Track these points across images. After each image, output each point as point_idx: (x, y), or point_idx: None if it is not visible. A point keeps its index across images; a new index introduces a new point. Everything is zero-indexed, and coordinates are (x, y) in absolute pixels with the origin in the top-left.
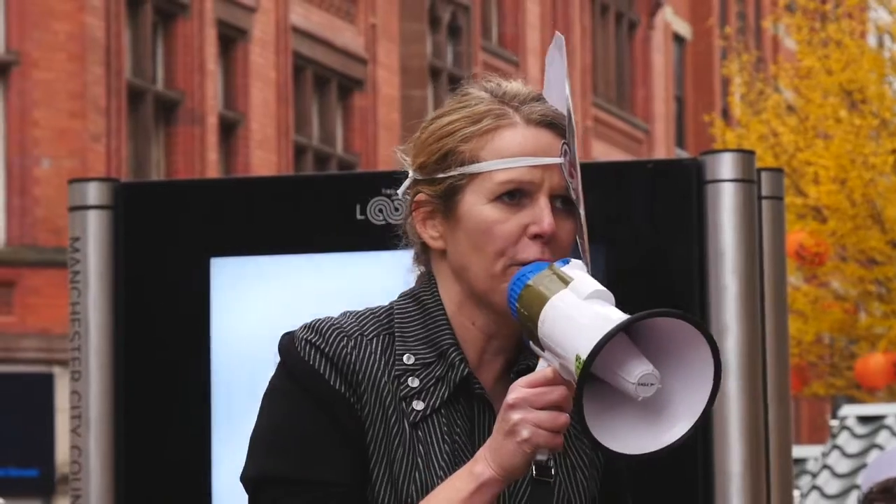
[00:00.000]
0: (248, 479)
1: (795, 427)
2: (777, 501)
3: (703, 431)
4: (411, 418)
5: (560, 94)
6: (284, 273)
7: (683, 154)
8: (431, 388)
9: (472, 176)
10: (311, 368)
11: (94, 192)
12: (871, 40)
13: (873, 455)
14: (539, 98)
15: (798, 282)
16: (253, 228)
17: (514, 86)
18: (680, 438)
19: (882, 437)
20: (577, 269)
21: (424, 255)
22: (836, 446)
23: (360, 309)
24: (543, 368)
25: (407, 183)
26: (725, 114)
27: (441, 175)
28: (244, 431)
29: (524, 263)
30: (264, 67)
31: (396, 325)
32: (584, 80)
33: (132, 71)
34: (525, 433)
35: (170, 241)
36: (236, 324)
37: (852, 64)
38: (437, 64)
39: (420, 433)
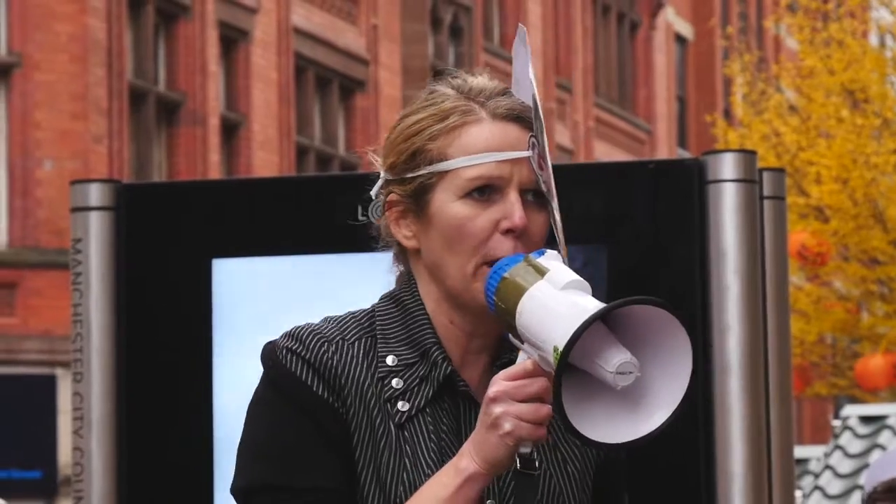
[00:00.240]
0: (237, 489)
1: (798, 427)
2: (779, 502)
3: (705, 431)
4: (396, 419)
5: (527, 86)
6: (286, 274)
7: (685, 154)
8: (415, 389)
9: (441, 174)
10: (293, 376)
11: (95, 194)
12: (873, 40)
13: (876, 455)
14: (506, 92)
15: (800, 282)
16: (255, 230)
17: (480, 81)
18: (659, 427)
19: (884, 437)
20: (553, 260)
21: (402, 254)
22: (838, 446)
23: (342, 314)
24: (523, 361)
25: (379, 183)
26: (727, 114)
27: (411, 174)
28: None
29: (497, 260)
30: (266, 68)
31: (378, 327)
32: (586, 81)
33: (134, 72)
34: (507, 426)
35: (172, 243)
36: (238, 325)
37: (854, 64)
38: (439, 65)
39: (406, 433)
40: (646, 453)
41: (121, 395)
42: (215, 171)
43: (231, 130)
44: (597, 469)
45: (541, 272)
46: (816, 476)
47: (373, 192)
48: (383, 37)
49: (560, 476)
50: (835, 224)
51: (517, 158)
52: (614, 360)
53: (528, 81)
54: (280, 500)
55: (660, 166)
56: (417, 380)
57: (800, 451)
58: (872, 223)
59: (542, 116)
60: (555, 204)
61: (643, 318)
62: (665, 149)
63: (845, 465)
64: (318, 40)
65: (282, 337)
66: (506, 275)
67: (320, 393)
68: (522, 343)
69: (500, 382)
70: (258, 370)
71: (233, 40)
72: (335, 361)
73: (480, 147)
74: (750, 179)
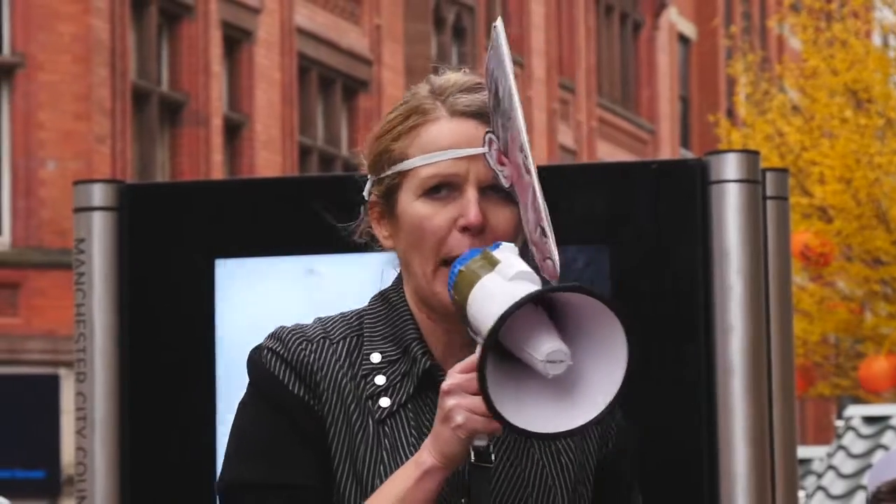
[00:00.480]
0: (218, 487)
1: (800, 427)
2: (782, 502)
3: (708, 431)
4: (377, 415)
5: (505, 81)
6: (289, 274)
7: (688, 154)
8: (398, 385)
9: (405, 174)
10: (270, 375)
11: (99, 194)
12: (877, 40)
13: (879, 455)
14: (472, 88)
15: (803, 282)
16: (258, 230)
17: (448, 77)
18: (593, 419)
19: (888, 438)
20: (506, 252)
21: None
22: (841, 447)
23: (334, 314)
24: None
25: (368, 185)
26: (730, 114)
27: (382, 175)
28: None
29: (454, 259)
30: (269, 69)
31: (366, 326)
32: (589, 81)
33: (137, 73)
34: (459, 419)
35: (175, 243)
36: (241, 325)
37: (858, 64)
38: (442, 65)
39: (386, 429)
40: (648, 453)
41: (124, 395)
42: (218, 172)
43: (234, 131)
44: (599, 463)
45: (493, 264)
46: (819, 476)
47: (365, 194)
48: (386, 37)
49: (552, 467)
50: (838, 224)
51: (474, 156)
52: (544, 348)
53: (500, 76)
54: (257, 498)
55: (663, 166)
56: (400, 376)
57: (803, 452)
58: (876, 223)
59: (512, 111)
60: (525, 199)
61: (581, 308)
62: (668, 149)
63: (848, 466)
64: (321, 40)
65: (266, 339)
66: (462, 268)
67: (296, 391)
68: (476, 335)
69: (453, 375)
70: None
71: (236, 40)
72: (312, 359)
73: (436, 145)
74: (753, 180)
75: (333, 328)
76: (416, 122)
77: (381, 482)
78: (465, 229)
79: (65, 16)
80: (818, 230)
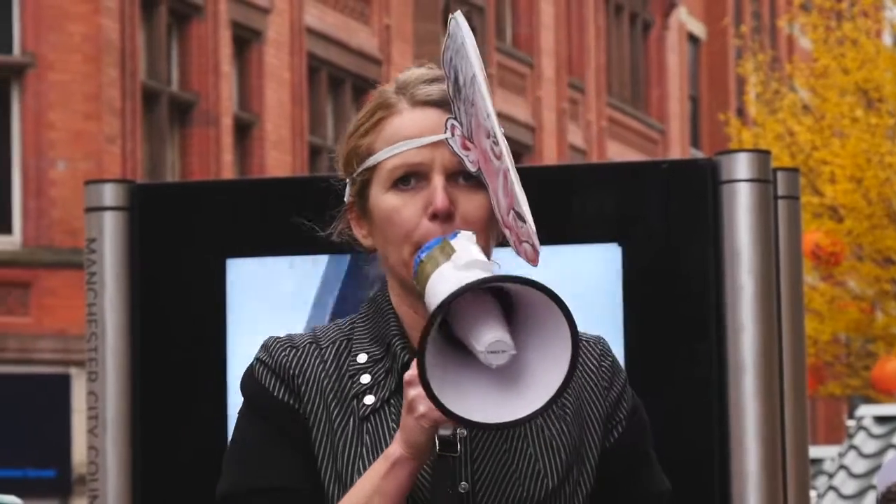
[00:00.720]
0: (216, 498)
1: (812, 427)
2: (794, 502)
3: (720, 431)
4: (360, 413)
5: (468, 69)
6: (300, 274)
7: (698, 154)
8: (381, 382)
9: (373, 169)
10: (258, 384)
11: (110, 194)
12: (887, 39)
13: (890, 455)
14: (434, 80)
15: (814, 281)
16: (268, 229)
17: (412, 72)
18: (536, 411)
19: None
20: (462, 241)
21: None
22: (852, 446)
23: (330, 323)
24: None
25: (348, 190)
26: (740, 113)
27: (354, 175)
28: None
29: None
30: (279, 68)
31: (356, 329)
32: (599, 81)
33: (147, 73)
34: (421, 408)
35: (185, 243)
36: (252, 325)
37: (868, 63)
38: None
39: (370, 425)
40: (660, 452)
41: (135, 394)
42: (228, 171)
43: (244, 130)
44: (604, 454)
45: (449, 254)
46: (831, 476)
47: (346, 199)
48: (396, 37)
49: (542, 452)
50: (849, 223)
51: (438, 144)
52: (485, 339)
53: (461, 64)
54: (244, 502)
55: (673, 166)
56: (384, 373)
57: (814, 451)
58: (887, 223)
59: (476, 97)
60: (495, 184)
61: (529, 300)
62: (678, 148)
63: (860, 465)
64: (330, 40)
65: (258, 350)
66: (423, 257)
67: (280, 397)
68: None
69: (415, 365)
70: None
71: (246, 40)
72: (293, 364)
73: (399, 136)
74: (764, 179)
75: (324, 334)
76: (381, 116)
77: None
78: (434, 216)
79: (75, 16)
80: (829, 229)
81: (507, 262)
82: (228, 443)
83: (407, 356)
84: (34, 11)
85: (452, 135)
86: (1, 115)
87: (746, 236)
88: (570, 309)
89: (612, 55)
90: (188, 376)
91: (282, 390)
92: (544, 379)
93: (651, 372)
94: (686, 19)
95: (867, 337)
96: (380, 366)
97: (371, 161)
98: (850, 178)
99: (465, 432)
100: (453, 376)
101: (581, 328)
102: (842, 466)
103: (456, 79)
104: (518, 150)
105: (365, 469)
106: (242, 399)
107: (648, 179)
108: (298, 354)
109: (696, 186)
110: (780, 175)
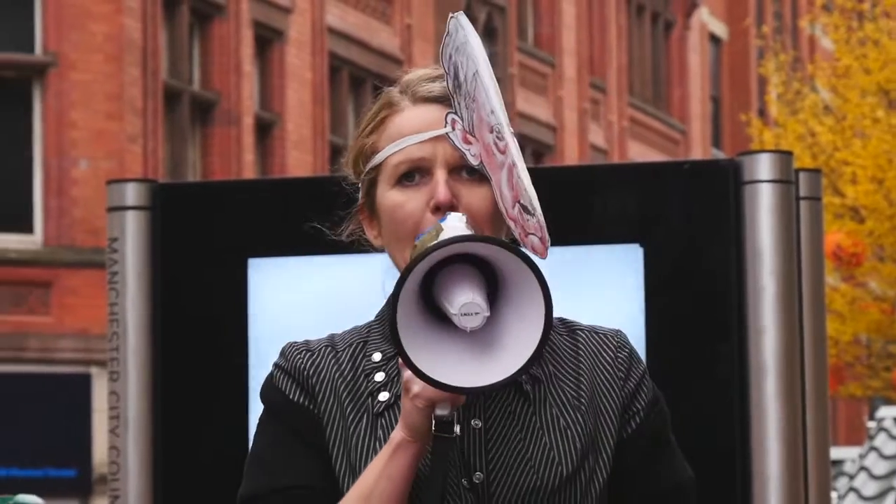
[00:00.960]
0: (237, 501)
1: (832, 428)
2: (815, 503)
3: (741, 432)
4: (375, 409)
5: (469, 65)
6: (321, 273)
7: (720, 154)
8: (395, 378)
9: (378, 168)
10: (275, 389)
11: (132, 193)
12: None
13: None
14: (436, 77)
15: (835, 282)
16: (289, 229)
17: (416, 72)
18: (512, 375)
19: None
20: (451, 221)
21: None
22: (873, 448)
23: (350, 328)
24: None
25: (362, 192)
26: (762, 114)
27: (362, 176)
28: None
29: None
30: (300, 68)
31: (372, 331)
32: (620, 81)
33: (169, 72)
34: (415, 388)
35: (207, 242)
36: (273, 324)
37: (890, 63)
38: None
39: (384, 421)
40: (682, 452)
41: (157, 394)
42: (249, 171)
43: (265, 130)
44: (622, 444)
45: (438, 233)
46: (851, 477)
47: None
48: (417, 36)
49: (557, 439)
50: (870, 224)
51: (440, 139)
52: (458, 301)
53: (462, 60)
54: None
55: (695, 167)
56: (397, 370)
57: (835, 453)
58: None
59: (478, 93)
60: (498, 177)
61: (507, 267)
62: (699, 149)
63: (881, 467)
64: (352, 40)
65: (277, 357)
66: (416, 243)
67: (295, 399)
68: None
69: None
70: None
71: (267, 40)
72: (308, 365)
73: (402, 133)
74: (786, 180)
75: (342, 338)
76: (384, 114)
77: None
78: (436, 209)
79: (97, 15)
80: (850, 230)
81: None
82: (249, 448)
83: None
84: (56, 11)
85: (453, 129)
86: (23, 115)
87: (768, 237)
88: (543, 272)
89: (634, 55)
90: (209, 376)
91: (297, 392)
92: (520, 343)
93: (672, 373)
94: (708, 19)
95: (888, 338)
96: (393, 363)
97: (376, 159)
98: (871, 179)
99: (479, 424)
100: (433, 344)
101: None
102: (862, 468)
103: (456, 75)
104: (539, 150)
105: None
106: (263, 406)
107: (670, 180)
108: (314, 357)
109: (718, 187)
110: (802, 176)
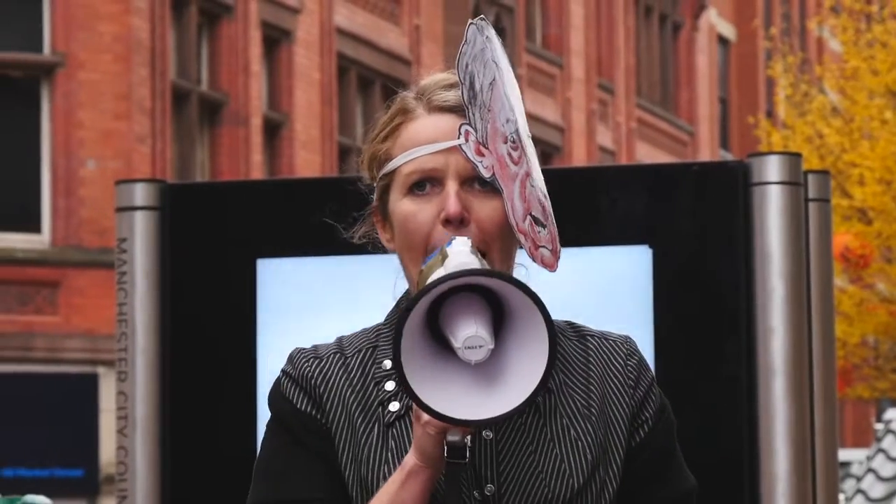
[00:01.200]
0: None
1: (839, 430)
2: None
3: (749, 433)
4: (386, 419)
5: (486, 73)
6: (330, 274)
7: (728, 156)
8: None
9: (391, 175)
10: (282, 396)
11: (141, 193)
12: None
13: None
14: (452, 85)
15: (843, 284)
16: (298, 230)
17: (433, 77)
18: (516, 408)
19: None
20: (457, 246)
21: None
22: (881, 450)
23: (358, 330)
24: None
25: (376, 195)
26: (770, 115)
27: (375, 181)
28: None
29: None
30: (308, 68)
31: (381, 336)
32: (628, 82)
33: (177, 72)
34: (425, 416)
35: (216, 243)
36: (282, 325)
37: None
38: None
39: (395, 431)
40: (689, 454)
41: (165, 395)
42: (258, 171)
43: (273, 130)
44: (630, 453)
45: (443, 260)
46: (859, 479)
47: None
48: (426, 37)
49: (569, 452)
50: (878, 226)
51: (453, 149)
52: (461, 334)
53: (478, 70)
54: None
55: (704, 168)
56: None
57: (842, 455)
58: None
59: (495, 103)
60: (510, 189)
61: (511, 299)
62: (707, 150)
63: (888, 469)
64: (360, 41)
65: (284, 363)
66: (423, 268)
67: (302, 407)
68: None
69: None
70: None
71: (275, 40)
72: (316, 374)
73: (415, 142)
74: (795, 182)
75: (350, 343)
76: (399, 121)
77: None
78: (446, 222)
79: (105, 15)
80: (858, 232)
81: (535, 267)
82: (257, 450)
83: None
84: (64, 11)
85: (466, 140)
86: (31, 115)
87: (777, 239)
88: (546, 304)
89: (642, 56)
90: (218, 376)
91: (305, 401)
92: (524, 377)
93: (681, 374)
94: (716, 21)
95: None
96: None
97: (389, 167)
98: (879, 181)
99: (491, 435)
100: (439, 375)
101: (611, 330)
102: (870, 470)
103: (472, 84)
104: (547, 151)
105: (390, 474)
106: (270, 412)
107: (679, 181)
108: (322, 364)
109: (727, 189)
110: (810, 177)
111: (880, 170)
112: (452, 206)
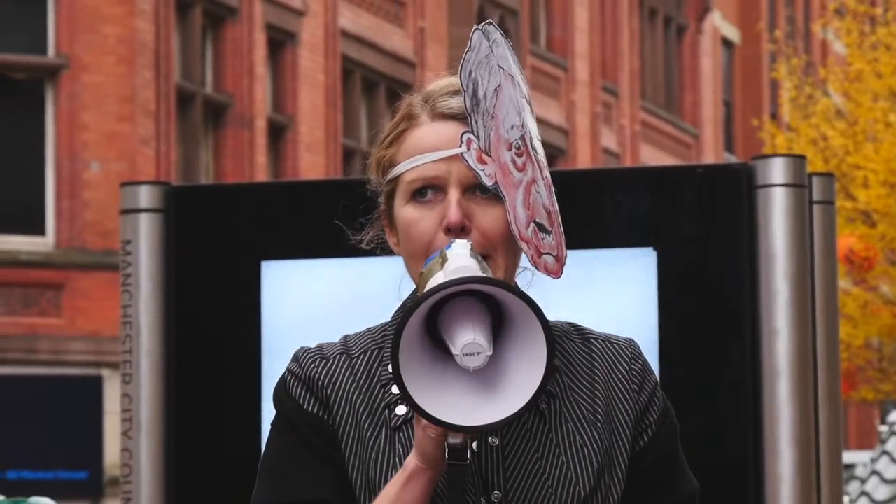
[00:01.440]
0: None
1: (843, 432)
2: None
3: (754, 435)
4: (392, 423)
5: (491, 79)
6: (334, 276)
7: (732, 158)
8: None
9: (396, 180)
10: (287, 396)
11: (145, 196)
12: None
13: None
14: (457, 91)
15: (847, 286)
16: (302, 232)
17: (439, 82)
18: (514, 414)
19: None
20: (456, 249)
21: None
22: (885, 452)
23: (362, 330)
24: None
25: (383, 199)
26: (774, 118)
27: (381, 186)
28: None
29: None
30: (313, 71)
31: (387, 338)
32: (633, 85)
33: (181, 74)
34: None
35: (221, 245)
36: (287, 327)
37: None
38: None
39: (402, 435)
40: (694, 456)
41: (169, 397)
42: (262, 174)
43: (278, 132)
44: (634, 458)
45: (442, 263)
46: (863, 482)
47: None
48: (430, 40)
49: (574, 458)
50: (882, 228)
51: (456, 156)
52: (459, 341)
53: (482, 76)
54: None
55: (708, 170)
56: None
57: (846, 457)
58: None
59: (499, 110)
60: (513, 196)
61: (510, 305)
62: (711, 153)
63: (892, 471)
64: (365, 43)
65: (289, 361)
66: (423, 270)
67: (308, 408)
68: None
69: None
70: None
71: (280, 43)
72: (322, 374)
73: (418, 149)
74: (800, 184)
75: (356, 344)
76: (403, 127)
77: None
78: (448, 230)
79: (109, 18)
80: (862, 234)
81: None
82: (262, 453)
83: None
84: (68, 13)
85: (468, 148)
86: (35, 117)
87: (782, 241)
88: (543, 310)
89: (646, 59)
90: (222, 379)
91: (311, 402)
92: (522, 383)
93: (686, 377)
94: (720, 23)
95: None
96: None
97: (393, 172)
98: (883, 183)
99: (497, 441)
100: (438, 380)
101: (616, 332)
102: (874, 472)
103: (475, 92)
104: (551, 154)
105: None
106: (274, 410)
107: (684, 184)
108: (328, 365)
109: (732, 191)
110: (815, 180)
111: (884, 172)
112: (454, 214)
